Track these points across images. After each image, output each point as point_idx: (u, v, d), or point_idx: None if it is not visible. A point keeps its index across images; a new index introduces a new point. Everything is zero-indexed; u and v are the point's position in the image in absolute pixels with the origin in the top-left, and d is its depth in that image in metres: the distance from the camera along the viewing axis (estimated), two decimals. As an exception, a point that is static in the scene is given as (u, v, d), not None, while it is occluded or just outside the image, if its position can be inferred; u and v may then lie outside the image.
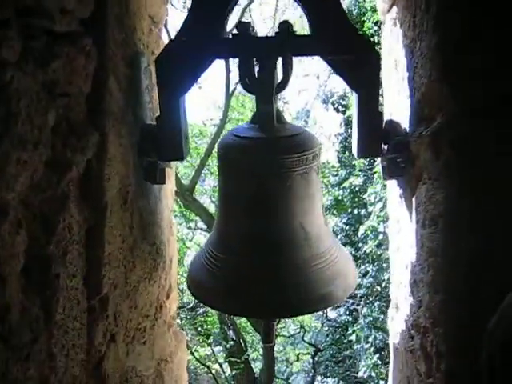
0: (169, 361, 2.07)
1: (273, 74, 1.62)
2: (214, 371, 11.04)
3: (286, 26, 1.60)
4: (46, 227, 1.18)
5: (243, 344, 10.70)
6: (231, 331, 10.70)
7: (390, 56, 1.92)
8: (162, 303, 1.99)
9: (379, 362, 7.79)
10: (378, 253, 7.77)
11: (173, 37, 1.69)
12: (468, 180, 1.39)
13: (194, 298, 9.73)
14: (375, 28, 8.10)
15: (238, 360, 10.10)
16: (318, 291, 1.61)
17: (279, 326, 10.96)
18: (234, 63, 9.80)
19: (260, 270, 1.62)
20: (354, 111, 1.74)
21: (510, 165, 1.31)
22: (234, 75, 10.08)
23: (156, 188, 1.86)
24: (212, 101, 13.89)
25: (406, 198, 1.73)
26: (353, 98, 1.74)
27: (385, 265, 7.76)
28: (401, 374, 1.89)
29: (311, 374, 11.87)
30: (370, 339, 7.87)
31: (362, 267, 8.20)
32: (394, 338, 1.97)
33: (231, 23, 1.67)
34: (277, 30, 1.63)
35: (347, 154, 10.65)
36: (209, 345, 11.28)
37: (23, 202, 1.09)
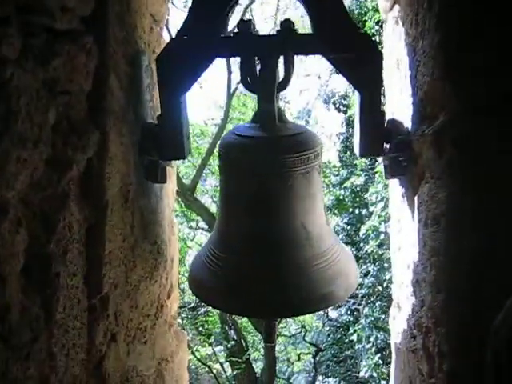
0: (170, 360, 2.06)
1: (274, 73, 1.61)
2: (215, 371, 11.03)
3: (287, 25, 1.60)
4: (47, 226, 1.17)
5: (244, 344, 10.68)
6: (232, 331, 10.68)
7: (392, 55, 1.91)
8: (162, 303, 1.99)
9: (380, 362, 7.77)
10: (380, 252, 7.76)
11: (174, 36, 1.69)
12: (470, 178, 1.38)
13: (195, 298, 9.73)
14: (376, 27, 8.09)
15: (239, 360, 10.08)
16: (319, 291, 1.60)
17: (280, 325, 10.95)
18: (235, 63, 9.81)
19: (261, 269, 1.61)
20: (356, 110, 1.73)
21: (513, 163, 1.31)
22: (236, 75, 10.07)
23: (157, 187, 1.86)
24: (213, 100, 13.87)
25: (408, 197, 1.72)
26: (355, 97, 1.73)
27: (386, 264, 7.75)
28: (403, 374, 1.88)
29: (312, 374, 11.86)
30: (372, 339, 7.86)
31: (364, 267, 8.19)
32: (395, 338, 1.97)
33: (233, 23, 1.66)
34: (278, 29, 1.62)
35: (348, 153, 10.64)
36: (210, 344, 11.27)
37: (23, 201, 1.09)
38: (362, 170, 9.02)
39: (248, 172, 1.64)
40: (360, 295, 8.71)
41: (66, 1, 1.21)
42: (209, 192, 12.33)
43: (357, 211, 9.09)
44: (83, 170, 1.34)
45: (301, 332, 11.71)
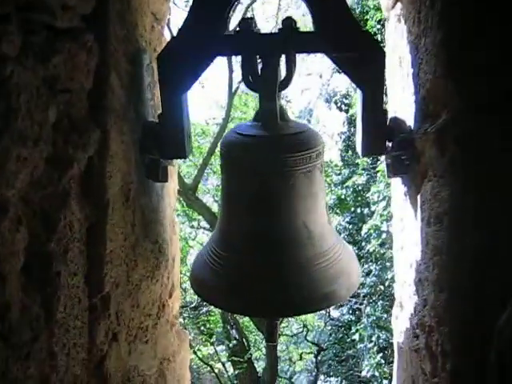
0: (171, 360, 2.06)
1: (276, 71, 1.60)
2: (216, 370, 11.05)
3: (289, 23, 1.59)
4: (47, 224, 1.16)
5: (246, 343, 10.70)
6: (234, 330, 10.69)
7: (394, 53, 1.90)
8: (164, 302, 1.98)
9: (382, 362, 7.78)
10: (382, 252, 7.76)
11: (175, 35, 1.68)
12: (473, 176, 1.38)
13: (196, 297, 9.75)
14: (378, 26, 8.09)
15: (241, 359, 10.09)
16: (321, 290, 1.60)
17: (282, 325, 10.94)
18: (236, 62, 9.81)
19: (263, 268, 1.61)
20: (358, 109, 1.72)
21: (515, 161, 1.30)
22: (237, 74, 10.06)
23: (158, 186, 1.85)
24: (215, 100, 13.88)
25: (410, 195, 1.71)
26: (357, 96, 1.72)
27: (388, 264, 7.75)
28: (405, 374, 1.87)
29: (314, 374, 11.87)
30: (374, 338, 7.86)
31: (365, 266, 8.19)
32: (398, 337, 1.96)
33: (234, 22, 1.65)
34: (280, 27, 1.61)
35: (350, 152, 10.65)
36: (211, 344, 11.29)
37: (23, 199, 1.08)
38: (363, 169, 9.03)
39: (249, 170, 1.63)
40: (362, 294, 8.72)
41: (67, -1, 1.21)
42: (210, 191, 12.34)
43: (359, 210, 9.10)
44: (84, 169, 1.33)
45: (302, 331, 11.71)
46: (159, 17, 1.96)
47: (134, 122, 1.62)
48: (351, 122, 10.51)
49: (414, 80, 1.64)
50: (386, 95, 1.95)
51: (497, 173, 1.33)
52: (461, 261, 1.40)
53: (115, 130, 1.45)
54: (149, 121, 1.74)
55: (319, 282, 1.60)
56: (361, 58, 1.59)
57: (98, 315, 1.42)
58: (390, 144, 1.70)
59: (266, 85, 1.60)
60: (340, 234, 8.92)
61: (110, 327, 1.49)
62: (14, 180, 1.05)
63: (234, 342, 10.37)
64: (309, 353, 12.33)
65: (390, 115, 1.73)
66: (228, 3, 1.63)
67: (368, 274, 8.24)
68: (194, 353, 10.00)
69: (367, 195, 8.39)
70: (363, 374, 8.36)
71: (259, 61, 1.63)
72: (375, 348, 7.89)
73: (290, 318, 10.55)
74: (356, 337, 8.46)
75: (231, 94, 10.59)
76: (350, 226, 9.46)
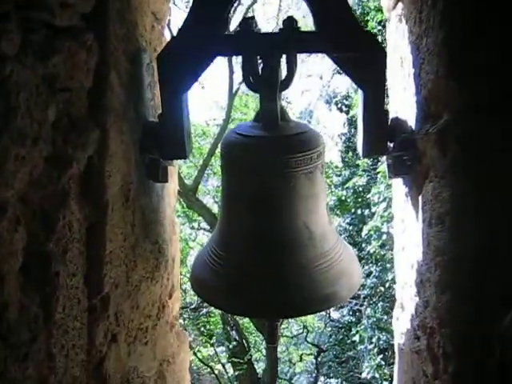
0: (171, 361, 2.05)
1: (277, 72, 1.59)
2: (216, 371, 11.05)
3: (290, 23, 1.58)
4: (46, 224, 1.15)
5: (246, 344, 10.69)
6: (234, 331, 10.69)
7: (395, 53, 1.90)
8: (164, 303, 1.97)
9: (383, 363, 7.76)
10: (382, 253, 7.74)
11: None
12: (473, 177, 1.37)
13: (196, 298, 9.76)
14: (379, 27, 8.08)
15: (241, 360, 10.09)
16: (321, 291, 1.59)
17: (282, 326, 10.93)
18: (237, 63, 9.81)
19: (263, 268, 1.60)
20: (359, 109, 1.71)
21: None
22: (238, 75, 10.07)
23: (158, 186, 1.84)
24: (215, 101, 13.88)
25: (411, 196, 1.71)
26: (358, 97, 1.72)
27: (388, 265, 7.73)
28: (406, 376, 1.86)
29: (314, 375, 11.85)
30: (374, 340, 7.84)
31: (366, 267, 8.17)
32: (399, 339, 1.95)
33: (235, 23, 1.65)
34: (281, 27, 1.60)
35: (350, 154, 10.65)
36: (211, 345, 11.28)
37: (22, 199, 1.07)
38: (364, 170, 9.02)
39: (249, 171, 1.62)
40: (362, 296, 8.71)
41: (67, -3, 1.20)
42: (210, 192, 12.35)
43: (359, 212, 9.08)
44: (83, 168, 1.32)
45: (302, 333, 11.71)
46: (159, 16, 1.95)
47: (134, 121, 1.61)
48: (352, 123, 10.51)
49: (416, 80, 1.64)
50: (387, 96, 1.95)
51: (497, 173, 1.33)
52: (462, 261, 1.39)
53: (115, 129, 1.45)
54: (149, 121, 1.73)
55: (320, 282, 1.59)
56: (362, 58, 1.58)
57: (97, 316, 1.41)
58: (392, 144, 1.69)
59: (267, 85, 1.59)
60: (340, 235, 8.88)
61: (109, 328, 1.48)
62: (13, 180, 1.04)
63: (234, 343, 10.37)
64: (309, 354, 12.33)
65: (392, 116, 1.72)
66: (228, 3, 1.62)
67: (368, 275, 8.23)
68: (194, 354, 9.99)
69: (367, 196, 8.38)
70: (363, 375, 8.34)
71: (260, 61, 1.62)
72: (375, 349, 7.88)
73: (290, 319, 10.54)
74: (356, 338, 8.45)
75: (231, 95, 10.60)
76: (351, 228, 9.45)
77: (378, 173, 7.68)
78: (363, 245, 8.30)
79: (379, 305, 8.30)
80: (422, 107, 1.59)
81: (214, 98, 13.74)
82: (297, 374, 13.14)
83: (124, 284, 1.57)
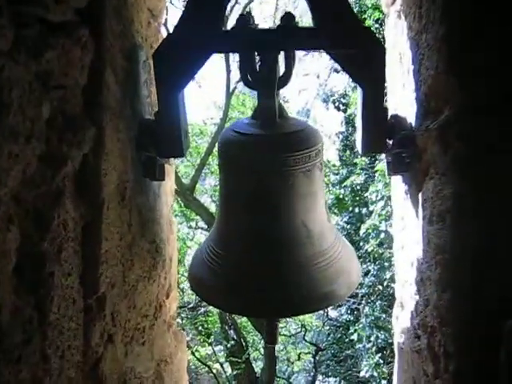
0: (169, 362, 2.03)
1: (275, 68, 1.58)
2: (214, 371, 11.04)
3: (288, 19, 1.56)
4: (40, 224, 1.13)
5: (244, 343, 10.69)
6: (232, 331, 10.69)
7: (394, 49, 1.88)
8: (161, 303, 1.95)
9: (381, 362, 7.76)
10: (380, 251, 7.74)
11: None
12: (471, 178, 1.37)
13: (194, 298, 9.77)
14: (376, 25, 8.07)
15: (239, 360, 10.09)
16: (320, 289, 1.58)
17: (280, 325, 10.90)
18: (234, 61, 9.79)
19: (260, 266, 1.59)
20: (358, 106, 1.70)
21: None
22: (235, 74, 10.05)
23: (155, 185, 1.82)
24: (212, 100, 13.85)
25: (411, 194, 1.69)
26: (357, 93, 1.70)
27: (386, 263, 7.74)
28: (406, 375, 1.85)
29: (312, 374, 11.85)
30: (372, 338, 7.84)
31: (364, 266, 8.15)
32: (398, 338, 1.93)
33: (233, 22, 1.62)
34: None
35: (348, 152, 10.65)
36: (209, 344, 11.28)
37: (15, 198, 1.05)
38: (361, 168, 9.03)
39: (247, 169, 1.61)
40: (360, 294, 8.71)
41: (60, -8, 1.18)
42: (208, 191, 12.34)
43: (357, 210, 9.09)
44: (78, 167, 1.30)
45: (301, 331, 11.70)
46: (156, 13, 1.93)
47: (130, 119, 1.59)
48: (349, 121, 10.50)
49: (415, 76, 1.62)
50: (386, 93, 1.93)
51: (495, 174, 1.33)
52: (464, 260, 1.38)
53: (111, 127, 1.42)
54: (145, 118, 1.71)
55: (319, 281, 1.58)
56: (361, 54, 1.56)
57: (93, 316, 1.39)
58: (391, 142, 1.67)
59: (265, 82, 1.58)
60: (338, 233, 8.88)
61: (105, 328, 1.46)
62: (6, 178, 1.02)
63: (232, 342, 10.36)
64: (307, 353, 12.32)
65: (391, 112, 1.70)
66: (225, -1, 1.60)
67: (366, 273, 8.23)
68: (192, 353, 9.99)
69: (365, 195, 8.38)
70: (362, 374, 8.33)
71: (257, 58, 1.60)
72: (374, 348, 7.88)
73: (287, 318, 10.53)
74: (354, 337, 8.45)
75: (229, 94, 10.57)
76: (348, 226, 9.44)
77: (376, 171, 7.68)
78: (361, 243, 8.30)
79: (377, 303, 8.30)
80: (421, 103, 1.58)
81: (212, 97, 13.72)
82: (295, 372, 13.14)
83: (120, 284, 1.55)
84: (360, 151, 1.72)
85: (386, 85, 1.68)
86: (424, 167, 1.54)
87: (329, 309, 10.39)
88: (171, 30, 1.59)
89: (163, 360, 1.98)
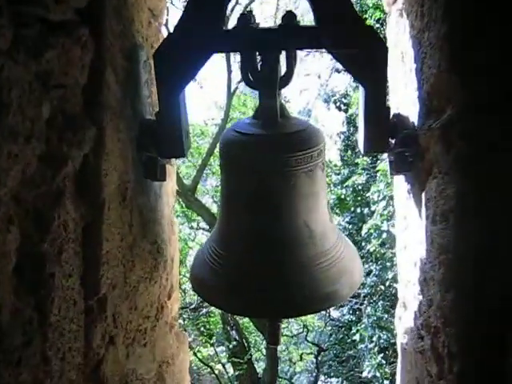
0: (170, 363, 2.02)
1: (276, 68, 1.56)
2: (216, 371, 11.05)
3: (289, 18, 1.55)
4: (40, 224, 1.12)
5: (246, 344, 10.69)
6: (234, 331, 10.69)
7: (396, 48, 1.87)
8: (163, 304, 1.95)
9: (383, 362, 7.75)
10: (382, 251, 7.73)
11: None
12: (474, 176, 1.36)
13: (196, 298, 9.75)
14: (377, 25, 8.05)
15: (241, 360, 10.09)
16: (322, 290, 1.57)
17: (282, 325, 10.93)
18: (235, 62, 9.78)
19: (262, 266, 1.58)
20: (360, 106, 1.69)
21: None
22: (236, 74, 10.04)
23: (156, 185, 1.81)
24: (213, 100, 13.85)
25: (414, 193, 1.68)
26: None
27: (388, 263, 7.73)
28: (409, 375, 1.84)
29: (314, 374, 11.84)
30: (374, 339, 7.83)
31: (366, 266, 8.14)
32: (401, 338, 1.92)
33: (234, 22, 1.62)
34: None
35: (349, 152, 10.64)
36: (211, 345, 11.28)
37: (15, 198, 1.04)
38: (363, 168, 9.01)
39: (248, 169, 1.60)
40: (362, 295, 8.70)
41: (60, -9, 1.17)
42: (209, 192, 12.34)
43: (358, 210, 9.07)
44: (79, 167, 1.29)
45: (303, 332, 11.69)
46: (156, 13, 1.93)
47: (131, 119, 1.58)
48: (350, 121, 10.49)
49: (417, 75, 1.61)
50: (388, 92, 1.92)
51: (497, 173, 1.32)
52: (467, 259, 1.37)
53: (111, 127, 1.42)
54: (146, 118, 1.71)
55: (321, 281, 1.58)
56: (363, 53, 1.55)
57: (94, 318, 1.38)
58: (393, 141, 1.66)
59: (266, 82, 1.57)
60: (340, 234, 8.86)
61: (106, 330, 1.45)
62: (6, 178, 1.01)
63: (234, 342, 10.36)
64: (309, 353, 12.32)
65: (393, 112, 1.69)
66: (225, -2, 1.59)
67: (368, 274, 8.22)
68: (194, 354, 9.99)
69: (367, 195, 8.36)
70: (364, 374, 8.32)
71: (259, 57, 1.59)
72: (376, 348, 7.87)
73: (289, 319, 10.53)
74: (356, 337, 8.43)
75: (230, 95, 10.58)
76: (350, 226, 9.43)
77: (378, 171, 7.66)
78: (363, 243, 8.28)
79: (379, 303, 8.29)
80: (424, 102, 1.57)
81: (213, 98, 13.72)
82: (297, 373, 13.14)
83: (122, 285, 1.54)
84: (362, 151, 1.71)
85: (387, 84, 1.67)
86: (427, 166, 1.53)
87: (331, 309, 10.37)
88: (172, 30, 1.58)
89: (165, 361, 1.97)
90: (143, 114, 1.70)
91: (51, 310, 1.17)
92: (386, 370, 7.70)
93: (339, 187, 9.62)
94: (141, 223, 1.67)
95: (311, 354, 12.11)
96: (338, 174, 10.30)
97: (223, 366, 11.40)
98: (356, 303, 9.36)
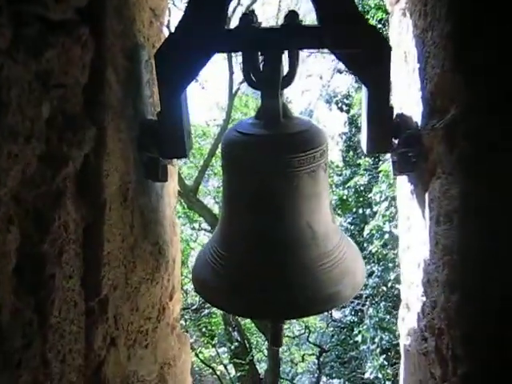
0: (172, 364, 2.01)
1: (278, 68, 1.55)
2: (218, 372, 11.06)
3: (292, 17, 1.54)
4: (40, 225, 1.11)
5: (248, 345, 10.69)
6: (236, 332, 10.69)
7: (399, 48, 1.86)
8: (164, 305, 1.94)
9: (386, 363, 7.73)
10: (384, 252, 7.72)
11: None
12: (477, 177, 1.35)
13: (198, 299, 9.76)
14: (379, 26, 8.04)
15: (243, 361, 10.09)
16: (325, 291, 1.56)
17: (284, 326, 10.91)
18: (236, 63, 9.77)
19: (264, 267, 1.57)
20: (363, 106, 1.68)
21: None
22: (238, 75, 10.04)
23: (158, 186, 1.81)
24: (215, 101, 13.84)
25: (417, 194, 1.67)
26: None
27: (391, 264, 7.71)
28: (413, 377, 1.82)
29: (316, 375, 11.83)
30: (376, 340, 7.81)
31: (368, 267, 8.13)
32: (404, 340, 1.91)
33: (235, 23, 1.61)
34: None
35: (351, 153, 10.63)
36: (213, 346, 11.29)
37: (15, 198, 1.03)
38: (365, 169, 9.00)
39: (250, 170, 1.59)
40: (364, 296, 8.68)
41: (60, -10, 1.16)
42: (211, 193, 12.35)
43: (360, 211, 9.06)
44: (80, 167, 1.28)
45: (304, 333, 11.68)
46: (158, 12, 1.92)
47: (132, 119, 1.57)
48: (352, 122, 10.48)
49: (421, 75, 1.60)
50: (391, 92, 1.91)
51: (497, 173, 1.31)
52: (472, 260, 1.36)
53: (112, 127, 1.41)
54: (147, 118, 1.70)
55: (323, 282, 1.57)
56: (366, 53, 1.54)
57: (95, 319, 1.37)
58: (396, 141, 1.65)
59: (268, 82, 1.55)
60: (342, 235, 8.84)
61: (107, 332, 1.44)
62: (5, 178, 1.00)
63: (236, 343, 10.37)
64: (311, 354, 12.30)
65: (396, 112, 1.68)
66: (227, -3, 1.58)
67: (370, 274, 8.20)
68: (196, 355, 9.99)
69: (369, 196, 8.36)
70: (366, 375, 8.29)
71: (261, 57, 1.58)
72: (378, 349, 7.85)
73: (291, 320, 10.52)
74: (359, 338, 8.41)
75: (232, 96, 10.58)
76: (352, 227, 9.42)
77: (380, 172, 7.65)
78: (365, 244, 8.26)
79: (381, 304, 8.27)
80: (427, 102, 1.56)
81: (214, 99, 13.71)
82: (299, 374, 13.12)
83: (123, 286, 1.53)
84: (365, 151, 1.70)
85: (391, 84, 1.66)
86: (430, 167, 1.52)
87: (333, 310, 10.36)
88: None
89: (167, 363, 1.96)
90: (144, 114, 1.69)
91: (51, 311, 1.16)
92: (388, 371, 7.68)
93: (341, 188, 9.61)
94: (142, 224, 1.66)
95: (313, 354, 12.10)
96: (340, 175, 10.30)
97: (225, 366, 11.41)
98: (358, 304, 9.34)
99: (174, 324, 2.07)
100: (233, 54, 8.00)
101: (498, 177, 1.31)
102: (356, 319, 9.79)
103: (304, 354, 12.36)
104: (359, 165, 9.37)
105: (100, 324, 1.40)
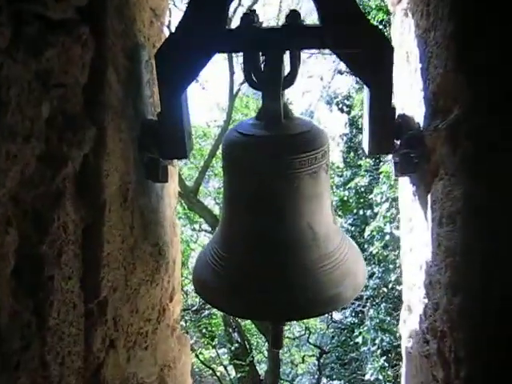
0: (172, 366, 2.00)
1: (280, 68, 1.54)
2: (218, 374, 11.05)
3: (293, 17, 1.53)
4: (39, 226, 1.10)
5: (248, 346, 10.68)
6: (236, 333, 10.68)
7: (401, 48, 1.85)
8: (164, 306, 1.92)
9: (386, 365, 7.73)
10: (385, 254, 7.71)
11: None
12: (480, 177, 1.34)
13: (198, 300, 9.75)
14: (380, 27, 8.04)
15: (243, 362, 10.09)
16: (326, 292, 1.55)
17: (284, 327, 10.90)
18: (237, 63, 9.77)
19: (265, 268, 1.56)
20: (365, 107, 1.67)
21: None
22: (238, 76, 10.03)
23: (158, 186, 1.80)
24: (216, 102, 13.83)
25: (419, 195, 1.66)
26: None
27: (391, 266, 7.71)
28: (414, 380, 1.81)
29: (316, 376, 11.81)
30: (377, 341, 7.80)
31: (369, 268, 8.12)
32: (406, 342, 1.90)
33: (236, 23, 1.60)
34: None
35: (352, 154, 10.62)
36: (213, 347, 11.28)
37: (14, 199, 1.02)
38: (366, 170, 8.99)
39: (250, 170, 1.58)
40: (365, 297, 8.68)
41: (61, -11, 1.15)
42: (212, 194, 12.34)
43: (361, 212, 9.05)
44: (79, 168, 1.27)
45: (305, 334, 11.67)
46: (158, 12, 1.91)
47: (133, 119, 1.57)
48: (353, 123, 10.48)
49: (423, 75, 1.59)
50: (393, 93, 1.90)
51: (497, 173, 1.31)
52: (474, 262, 1.35)
53: (112, 127, 1.40)
54: (148, 118, 1.69)
55: (324, 284, 1.56)
56: (368, 53, 1.53)
57: (94, 321, 1.36)
58: (398, 142, 1.64)
59: (270, 82, 1.54)
60: (343, 236, 8.84)
61: (107, 333, 1.43)
62: (4, 178, 0.99)
63: (236, 344, 10.37)
64: (311, 356, 12.29)
65: (398, 112, 1.67)
66: (227, -3, 1.57)
67: (371, 276, 8.19)
68: (196, 356, 9.98)
69: (370, 197, 8.35)
70: (367, 377, 8.29)
71: (262, 58, 1.57)
72: (379, 351, 7.84)
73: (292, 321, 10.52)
74: (359, 340, 8.40)
75: (232, 96, 10.57)
76: (353, 228, 9.42)
77: (381, 173, 7.65)
78: (366, 246, 8.26)
79: (382, 306, 8.27)
80: (430, 103, 1.55)
81: (215, 99, 13.70)
82: (299, 375, 13.12)
83: (123, 287, 1.52)
84: (367, 152, 1.69)
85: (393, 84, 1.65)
86: (433, 168, 1.51)
87: (333, 311, 10.36)
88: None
89: (167, 365, 1.95)
90: (145, 114, 1.68)
91: (50, 313, 1.15)
92: (389, 372, 7.68)
93: (342, 189, 9.61)
94: (142, 225, 1.65)
95: (313, 356, 12.09)
96: (341, 176, 10.29)
97: (225, 368, 11.40)
98: (359, 305, 9.34)
99: (174, 325, 2.06)
100: (234, 55, 7.99)
101: (498, 177, 1.30)
102: (356, 320, 9.78)
103: (304, 356, 12.35)
104: (360, 166, 9.36)
105: (99, 326, 1.39)
